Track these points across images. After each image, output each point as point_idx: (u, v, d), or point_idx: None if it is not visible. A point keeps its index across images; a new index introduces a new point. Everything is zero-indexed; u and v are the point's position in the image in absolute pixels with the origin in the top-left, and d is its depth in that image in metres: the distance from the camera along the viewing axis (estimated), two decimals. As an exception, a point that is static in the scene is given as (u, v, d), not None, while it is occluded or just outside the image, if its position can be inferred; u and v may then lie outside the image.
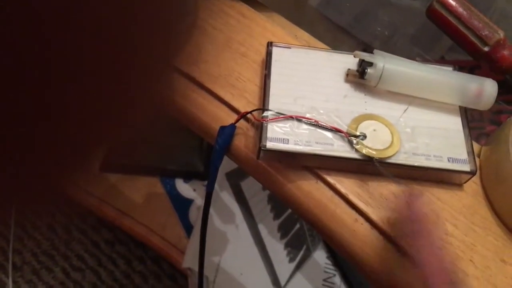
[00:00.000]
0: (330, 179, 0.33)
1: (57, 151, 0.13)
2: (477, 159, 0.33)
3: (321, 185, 0.33)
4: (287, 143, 0.31)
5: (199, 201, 0.84)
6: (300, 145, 0.31)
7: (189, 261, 0.75)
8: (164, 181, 0.83)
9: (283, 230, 0.80)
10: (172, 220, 0.80)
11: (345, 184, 0.33)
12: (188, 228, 0.79)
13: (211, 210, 0.79)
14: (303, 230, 0.81)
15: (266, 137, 0.31)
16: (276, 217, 0.81)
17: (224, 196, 0.81)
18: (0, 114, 0.10)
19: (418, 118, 0.33)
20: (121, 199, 0.82)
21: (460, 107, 0.34)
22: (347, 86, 0.34)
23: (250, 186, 0.83)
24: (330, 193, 0.33)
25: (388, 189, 0.33)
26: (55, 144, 0.12)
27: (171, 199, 0.82)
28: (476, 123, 0.40)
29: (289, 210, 0.82)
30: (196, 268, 0.74)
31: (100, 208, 0.79)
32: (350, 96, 0.33)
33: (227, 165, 0.83)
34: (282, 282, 0.76)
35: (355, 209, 0.32)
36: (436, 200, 0.33)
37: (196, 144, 0.84)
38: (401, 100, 0.34)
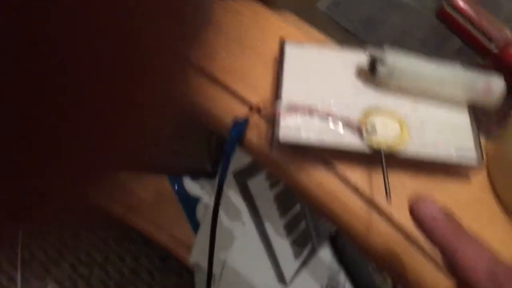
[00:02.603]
0: (341, 169, 0.34)
1: (81, 158, 0.13)
2: (484, 154, 0.34)
3: (332, 176, 0.34)
4: (300, 135, 0.32)
5: (207, 199, 0.85)
6: (312, 137, 0.32)
7: (196, 257, 0.75)
8: (172, 180, 0.84)
9: (289, 228, 0.81)
10: (180, 218, 0.81)
11: (356, 174, 0.34)
12: (195, 226, 0.80)
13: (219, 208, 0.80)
14: (308, 229, 0.82)
15: (279, 129, 0.32)
16: (282, 215, 0.82)
17: (231, 194, 0.82)
18: (21, 122, 0.10)
19: (427, 113, 0.34)
20: (129, 196, 0.83)
21: (468, 103, 0.35)
22: (358, 82, 0.35)
23: (257, 185, 0.84)
24: (341, 183, 0.34)
25: (398, 180, 0.34)
26: (80, 151, 0.12)
27: (179, 197, 0.83)
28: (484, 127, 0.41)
29: (295, 209, 0.83)
30: (203, 263, 0.75)
31: (109, 205, 0.80)
32: (361, 91, 0.35)
33: (234, 164, 0.84)
34: (288, 278, 0.77)
35: (364, 199, 0.33)
36: (443, 191, 0.34)
37: (204, 143, 0.85)
38: (410, 96, 0.35)
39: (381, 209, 0.33)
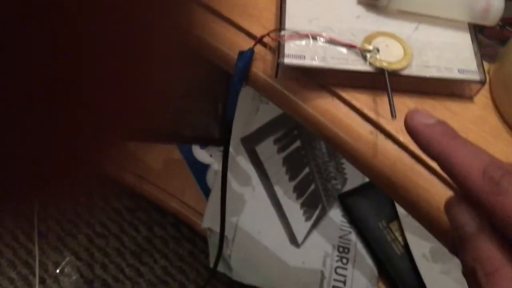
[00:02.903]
0: (346, 95, 0.35)
1: (92, 129, 0.13)
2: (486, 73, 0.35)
3: (337, 101, 0.35)
4: (304, 59, 0.33)
5: (216, 166, 0.86)
6: (316, 60, 0.33)
7: (208, 221, 0.77)
8: (181, 148, 0.85)
9: (299, 190, 0.82)
10: (190, 184, 0.83)
11: (360, 99, 0.34)
12: (206, 192, 0.81)
13: (229, 174, 0.81)
14: (318, 190, 0.83)
15: (284, 53, 0.33)
16: (292, 178, 0.83)
17: (240, 160, 0.83)
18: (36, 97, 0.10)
19: (428, 34, 0.34)
20: (140, 165, 0.84)
21: (469, 24, 0.35)
22: (359, 7, 0.35)
23: (265, 149, 0.85)
24: (346, 108, 0.35)
25: (401, 102, 0.34)
26: (91, 121, 0.12)
27: (189, 164, 0.84)
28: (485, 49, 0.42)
29: (304, 172, 0.84)
30: (215, 228, 0.76)
31: (120, 175, 0.82)
32: (362, 16, 0.35)
33: (241, 130, 0.85)
34: (299, 239, 0.78)
35: (370, 122, 0.34)
36: (448, 113, 0.34)
37: (211, 110, 0.86)
38: (412, 19, 0.35)
39: (386, 130, 0.34)
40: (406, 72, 0.33)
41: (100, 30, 0.11)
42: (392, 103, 0.31)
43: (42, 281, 0.83)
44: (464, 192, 0.25)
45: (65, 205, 0.87)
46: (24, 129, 0.11)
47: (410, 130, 0.27)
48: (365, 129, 0.34)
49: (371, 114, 0.34)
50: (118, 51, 0.12)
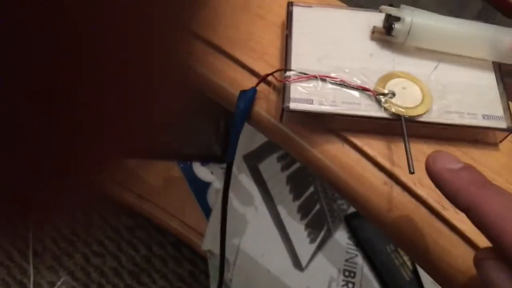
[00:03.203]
0: (357, 141, 0.31)
1: (91, 147, 0.12)
2: (512, 117, 0.32)
3: (347, 148, 0.32)
4: (312, 104, 0.30)
5: (217, 184, 0.83)
6: (325, 105, 0.30)
7: (209, 243, 0.74)
8: (182, 165, 0.82)
9: (303, 211, 0.79)
10: (191, 203, 0.80)
11: (373, 146, 0.31)
12: (207, 211, 0.78)
13: (230, 193, 0.78)
14: (323, 211, 0.79)
15: (289, 97, 0.30)
16: (296, 198, 0.80)
17: (242, 178, 0.80)
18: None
19: (449, 75, 0.31)
20: (139, 184, 0.81)
21: (494, 62, 0.32)
22: (373, 44, 0.32)
23: (268, 167, 0.82)
24: (357, 155, 0.32)
25: (419, 150, 0.31)
26: (90, 139, 0.12)
27: (189, 182, 0.81)
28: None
29: (309, 191, 0.81)
30: (216, 250, 0.73)
31: (119, 194, 0.79)
32: (376, 54, 0.32)
33: (244, 147, 0.82)
34: (304, 263, 0.75)
35: (384, 172, 0.31)
36: (470, 161, 0.31)
37: (213, 126, 0.83)
38: (431, 57, 0.32)
39: (403, 182, 0.31)
40: (425, 118, 0.30)
41: (104, 51, 0.11)
42: (409, 156, 0.28)
43: (37, 302, 0.80)
44: (498, 248, 0.22)
45: (61, 223, 0.84)
46: (21, 144, 0.11)
47: (433, 176, 0.24)
48: (378, 179, 0.31)
49: (385, 163, 0.31)
50: (119, 74, 0.12)
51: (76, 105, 0.11)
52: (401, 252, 0.74)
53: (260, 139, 0.83)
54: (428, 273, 0.30)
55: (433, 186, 0.30)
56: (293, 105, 0.29)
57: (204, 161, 0.83)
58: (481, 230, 0.22)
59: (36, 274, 0.83)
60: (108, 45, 0.11)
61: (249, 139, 0.83)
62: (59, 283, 0.82)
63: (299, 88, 0.30)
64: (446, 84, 0.31)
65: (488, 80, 0.31)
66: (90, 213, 0.87)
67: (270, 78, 0.32)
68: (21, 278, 0.82)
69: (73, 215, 0.86)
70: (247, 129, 0.85)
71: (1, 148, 0.10)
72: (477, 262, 0.23)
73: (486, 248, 0.24)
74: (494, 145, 0.32)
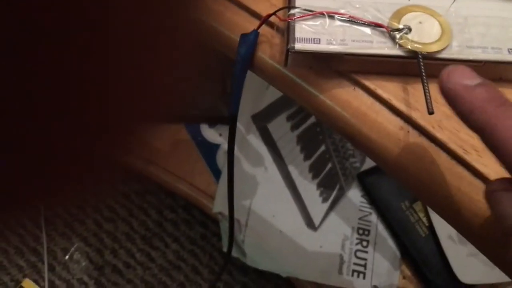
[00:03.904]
0: (370, 84, 0.29)
1: (99, 114, 0.12)
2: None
3: (359, 91, 0.29)
4: (319, 43, 0.27)
5: (226, 146, 0.81)
6: (334, 44, 0.27)
7: (220, 206, 0.73)
8: (189, 128, 0.80)
9: (315, 170, 0.77)
10: (200, 166, 0.78)
11: (387, 89, 0.29)
12: (217, 174, 0.77)
13: (239, 154, 0.76)
14: (335, 169, 0.77)
15: (294, 37, 0.27)
16: (307, 157, 0.78)
17: (251, 139, 0.78)
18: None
19: (471, 7, 0.28)
20: (147, 149, 0.80)
21: (521, -9, 0.29)
22: (385, -25, 0.29)
23: (277, 127, 0.79)
24: (370, 100, 0.29)
25: (438, 91, 0.28)
26: (97, 106, 0.12)
27: (197, 145, 0.79)
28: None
29: (320, 150, 0.79)
30: (226, 212, 0.72)
31: (127, 159, 0.78)
32: (389, -14, 0.29)
33: (252, 107, 0.80)
34: (316, 222, 0.74)
35: (400, 116, 0.29)
36: (494, 101, 0.28)
37: (219, 87, 0.80)
38: (450, -13, 0.29)
39: (420, 126, 0.28)
40: (444, 54, 0.27)
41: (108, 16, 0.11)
42: (428, 95, 0.26)
43: (51, 268, 0.81)
44: None
45: (72, 196, 0.84)
46: (32, 117, 0.10)
47: (447, 93, 0.22)
48: (394, 124, 0.29)
49: (401, 106, 0.28)
50: (125, 37, 0.11)
51: (80, 71, 0.11)
52: (417, 209, 0.73)
53: (268, 98, 0.80)
54: (449, 223, 0.28)
55: (454, 129, 0.28)
56: (298, 46, 0.27)
57: (212, 123, 0.81)
58: (495, 153, 0.20)
59: (49, 241, 0.83)
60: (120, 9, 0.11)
61: (257, 99, 0.80)
62: (72, 249, 0.82)
63: (305, 26, 0.27)
64: (467, 17, 0.28)
65: (514, 11, 0.28)
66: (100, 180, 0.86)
67: (273, 18, 0.30)
68: (34, 245, 0.83)
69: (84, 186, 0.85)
70: (254, 88, 0.82)
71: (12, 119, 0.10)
72: (488, 194, 0.22)
73: (497, 180, 0.23)
74: (521, 82, 0.29)
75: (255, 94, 0.80)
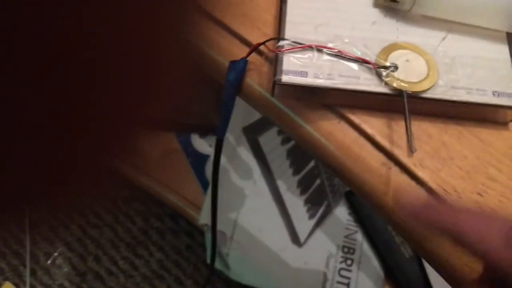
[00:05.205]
0: (355, 118, 0.29)
1: (93, 117, 0.12)
2: (526, 95, 0.29)
3: (344, 125, 0.29)
4: (306, 76, 0.27)
5: (216, 157, 0.81)
6: (321, 78, 0.27)
7: (206, 217, 0.72)
8: (180, 137, 0.80)
9: (303, 185, 0.77)
10: (189, 176, 0.78)
11: (372, 124, 0.29)
12: (205, 185, 0.77)
13: (228, 166, 0.76)
14: (323, 186, 0.78)
15: (282, 69, 0.27)
16: (296, 172, 0.78)
17: (241, 151, 0.78)
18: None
19: (459, 47, 0.29)
20: (136, 156, 0.80)
21: (508, 34, 0.29)
22: (376, 11, 0.29)
23: (268, 140, 0.80)
24: (355, 134, 0.29)
25: (422, 129, 0.29)
26: (91, 109, 0.12)
27: (187, 155, 0.79)
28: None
29: (309, 165, 0.79)
30: (213, 224, 0.72)
31: (116, 165, 0.77)
32: (379, 23, 0.29)
33: (244, 119, 0.80)
34: (302, 238, 0.74)
35: (383, 152, 0.29)
36: (477, 142, 0.29)
37: (211, 97, 0.80)
38: (439, 27, 0.29)
39: (402, 163, 0.28)
40: (429, 94, 0.27)
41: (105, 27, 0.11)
42: (410, 135, 0.26)
43: (33, 272, 0.80)
44: (489, 267, 0.21)
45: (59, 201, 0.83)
46: (18, 121, 0.10)
47: (405, 215, 0.25)
48: (376, 159, 0.29)
49: (385, 143, 0.29)
50: (119, 45, 0.11)
51: (74, 79, 0.11)
52: (402, 230, 0.73)
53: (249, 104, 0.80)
54: (428, 262, 0.28)
55: (435, 168, 0.28)
56: (285, 78, 0.27)
57: (203, 133, 0.81)
58: (470, 252, 0.22)
59: (32, 245, 0.82)
60: (115, 19, 0.11)
61: (248, 111, 0.80)
62: (55, 254, 0.81)
63: (293, 59, 0.27)
64: (454, 57, 0.28)
65: (501, 54, 0.29)
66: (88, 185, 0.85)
67: (262, 47, 0.30)
68: (17, 249, 0.82)
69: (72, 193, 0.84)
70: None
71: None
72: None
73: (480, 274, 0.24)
74: (504, 124, 0.29)
75: (247, 106, 0.80)
